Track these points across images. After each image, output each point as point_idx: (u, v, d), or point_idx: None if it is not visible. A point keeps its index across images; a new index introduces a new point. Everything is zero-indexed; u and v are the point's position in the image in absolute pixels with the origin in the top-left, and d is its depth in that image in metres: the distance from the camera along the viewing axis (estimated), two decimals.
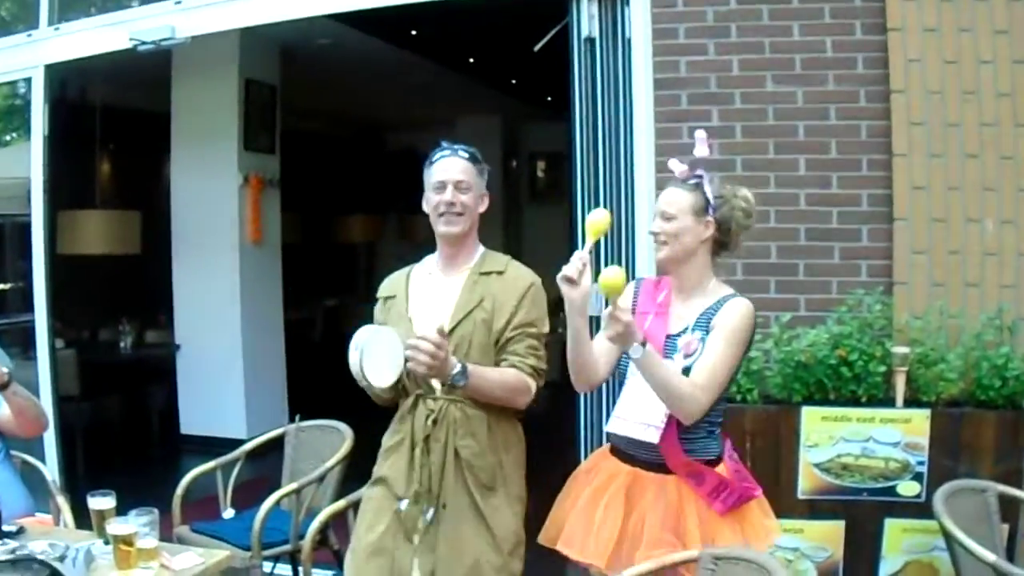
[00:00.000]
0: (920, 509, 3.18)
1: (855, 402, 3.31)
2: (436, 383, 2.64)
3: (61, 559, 2.55)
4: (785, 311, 3.53)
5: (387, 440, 2.78)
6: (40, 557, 2.53)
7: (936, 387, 3.29)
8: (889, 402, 3.30)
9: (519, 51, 4.37)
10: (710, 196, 2.56)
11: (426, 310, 2.71)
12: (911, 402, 3.29)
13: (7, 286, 6.88)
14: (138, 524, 2.53)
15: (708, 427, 2.54)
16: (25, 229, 5.27)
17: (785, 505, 3.23)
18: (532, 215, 11.34)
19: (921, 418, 3.23)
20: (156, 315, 7.46)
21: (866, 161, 3.59)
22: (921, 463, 3.22)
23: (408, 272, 2.87)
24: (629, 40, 3.76)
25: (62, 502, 3.39)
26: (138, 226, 7.07)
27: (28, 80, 5.14)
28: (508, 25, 5.00)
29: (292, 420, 4.13)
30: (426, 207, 2.75)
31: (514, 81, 9.09)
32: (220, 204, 6.92)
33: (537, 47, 4.02)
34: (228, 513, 3.84)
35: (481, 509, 2.62)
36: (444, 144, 2.80)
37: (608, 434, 2.68)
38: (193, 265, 7.02)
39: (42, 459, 4.80)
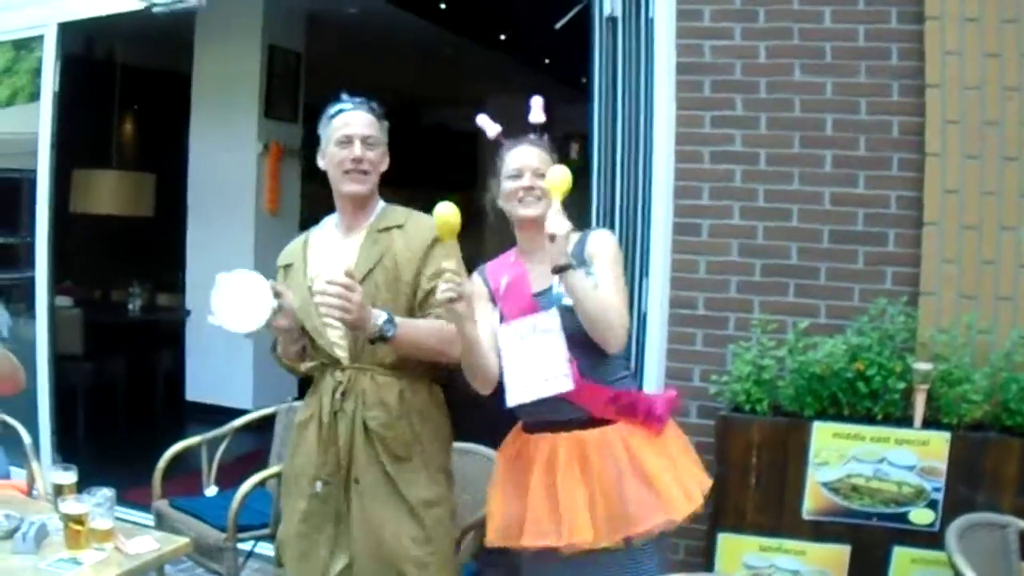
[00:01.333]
0: (932, 539, 2.98)
1: (870, 420, 3.12)
2: (341, 351, 2.53)
3: (13, 532, 2.47)
4: (803, 316, 3.36)
5: (298, 416, 2.70)
6: None
7: (959, 408, 3.08)
8: (907, 422, 3.10)
9: (550, 29, 4.23)
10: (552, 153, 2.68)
11: (325, 274, 2.53)
12: (930, 423, 3.09)
13: (19, 241, 6.85)
14: (92, 504, 2.44)
15: (622, 365, 2.62)
16: None
17: (788, 524, 3.09)
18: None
19: (940, 441, 3.02)
20: (168, 279, 7.43)
21: (896, 160, 3.40)
22: (937, 490, 3.02)
23: (306, 238, 2.77)
24: (652, 20, 3.60)
25: (36, 469, 3.32)
26: (153, 188, 7.08)
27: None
28: (537, 1, 4.86)
29: (299, 395, 4.03)
30: (323, 163, 2.65)
31: (547, 60, 8.93)
32: (238, 171, 6.87)
33: (558, 25, 3.87)
34: (211, 490, 3.77)
35: (394, 479, 2.51)
36: (345, 96, 2.65)
37: (518, 409, 2.55)
38: (207, 231, 6.97)
39: (34, 418, 4.79)
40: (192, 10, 4.69)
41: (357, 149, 2.55)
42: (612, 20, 3.64)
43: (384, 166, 2.64)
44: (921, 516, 3.03)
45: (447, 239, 2.38)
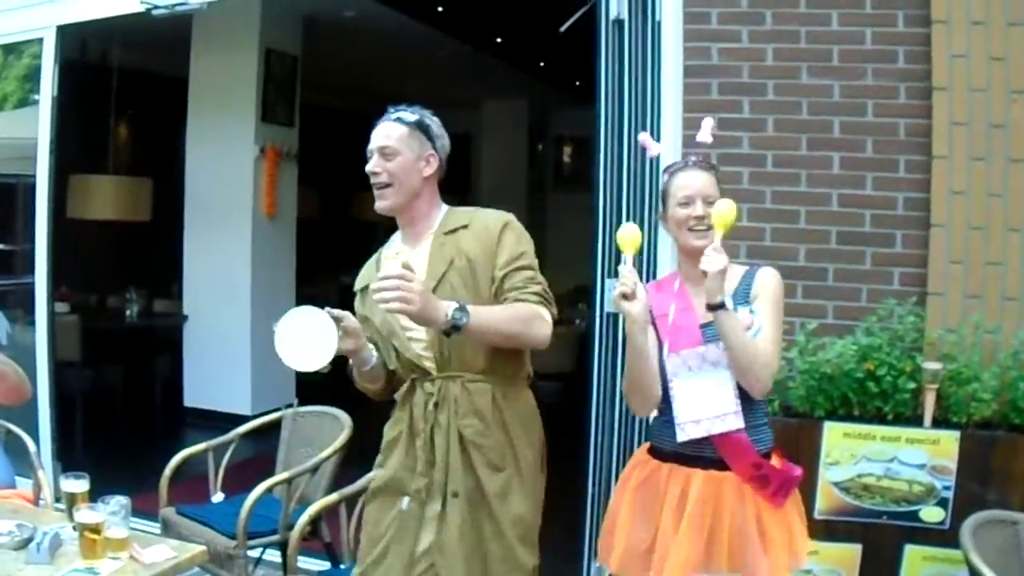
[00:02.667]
0: (943, 537, 3.00)
1: (881, 419, 3.13)
2: (429, 363, 2.47)
3: (27, 542, 2.45)
4: (812, 318, 3.37)
5: (387, 432, 2.61)
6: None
7: (968, 407, 3.10)
8: (917, 421, 3.11)
9: (547, 33, 4.23)
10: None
11: None
12: (940, 422, 3.11)
13: (17, 247, 6.82)
14: (107, 513, 2.42)
15: (765, 409, 2.53)
16: None
17: None
18: (557, 200, 11.20)
19: (950, 440, 3.04)
20: (165, 285, 7.41)
21: (904, 162, 3.42)
22: (947, 488, 3.03)
23: (377, 258, 2.70)
24: (659, 23, 3.60)
25: (42, 477, 3.29)
26: (150, 193, 7.04)
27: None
28: (536, 5, 4.86)
29: (299, 400, 4.01)
30: None
31: (542, 64, 8.94)
32: (235, 175, 6.85)
33: (563, 28, 3.85)
34: (218, 497, 3.75)
35: (485, 492, 2.45)
36: (390, 108, 2.62)
37: (676, 445, 2.49)
38: (205, 236, 6.96)
39: (35, 425, 4.76)
40: (192, 12, 4.67)
41: (371, 163, 2.52)
42: (618, 23, 3.63)
43: (427, 172, 2.56)
44: (932, 514, 3.05)
45: (630, 254, 2.35)
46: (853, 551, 3.11)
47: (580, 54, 4.04)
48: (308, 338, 2.33)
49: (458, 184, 10.91)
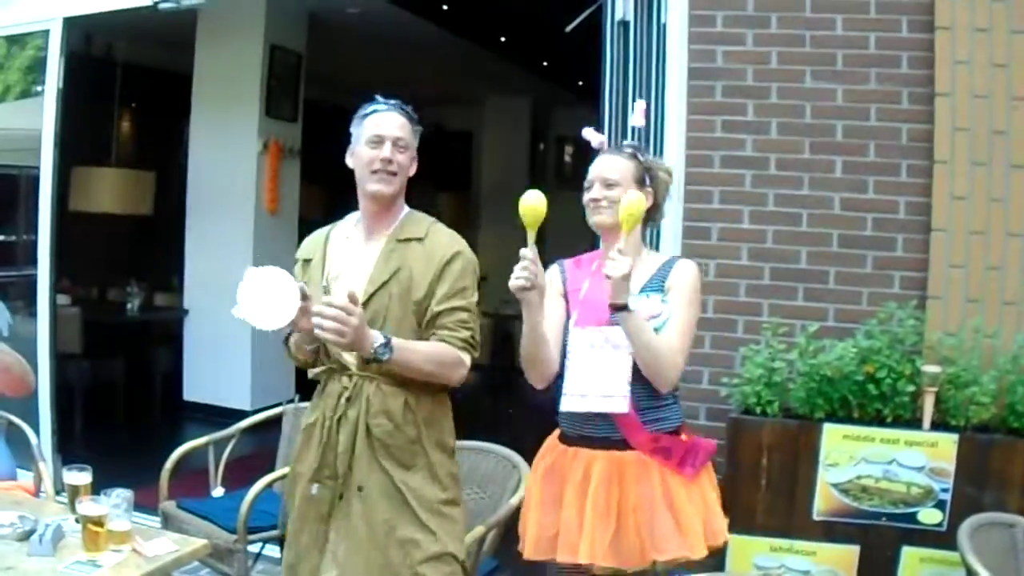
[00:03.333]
0: (941, 539, 3.02)
1: (880, 422, 3.15)
2: (350, 357, 2.50)
3: (29, 534, 2.45)
4: (812, 320, 3.39)
5: (305, 419, 2.66)
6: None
7: (966, 411, 3.11)
8: (916, 424, 3.13)
9: (551, 32, 4.24)
10: (649, 165, 2.60)
11: (341, 279, 2.55)
12: (939, 425, 3.13)
13: (19, 239, 6.83)
14: (110, 505, 2.41)
15: (674, 392, 2.55)
16: None
17: (798, 525, 3.11)
18: (558, 199, 11.10)
19: (948, 443, 3.06)
20: (166, 278, 7.40)
21: (906, 166, 3.43)
22: (945, 490, 3.05)
23: (327, 233, 2.69)
24: (664, 25, 3.62)
25: (43, 469, 3.29)
26: (152, 187, 7.04)
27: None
28: (541, 4, 4.86)
29: (299, 395, 4.01)
30: (352, 162, 2.59)
31: (545, 63, 8.94)
32: (237, 170, 6.84)
33: (569, 28, 3.87)
34: (218, 492, 3.75)
35: (398, 485, 2.47)
36: (379, 98, 2.63)
37: (563, 417, 2.56)
38: (206, 230, 6.96)
39: (35, 417, 4.77)
40: (197, 7, 4.67)
41: (387, 150, 2.51)
42: (624, 24, 3.65)
43: (412, 171, 2.60)
44: (929, 516, 3.06)
45: (531, 228, 2.32)
46: (851, 552, 3.12)
47: (584, 54, 4.05)
48: (271, 297, 2.36)
49: (459, 181, 10.91)
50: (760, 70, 3.53)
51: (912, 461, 3.07)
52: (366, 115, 2.58)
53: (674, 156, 3.59)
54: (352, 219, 2.69)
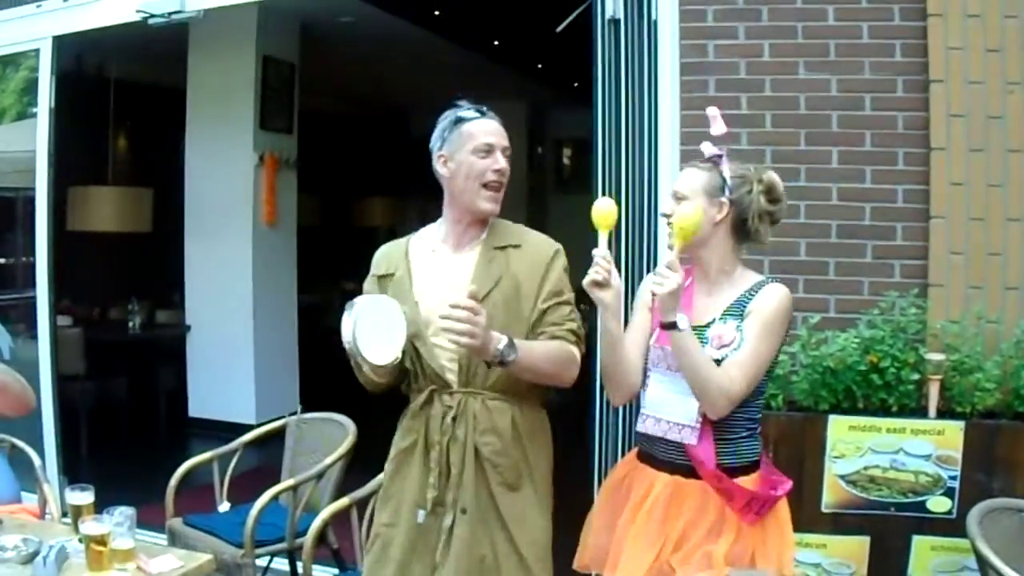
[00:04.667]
0: (950, 526, 3.00)
1: (885, 411, 3.13)
2: (451, 375, 2.42)
3: (33, 556, 2.44)
4: (814, 311, 3.37)
5: (398, 441, 2.54)
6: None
7: (972, 397, 3.10)
8: (921, 412, 3.12)
9: (544, 34, 4.23)
10: (727, 176, 2.41)
11: (435, 291, 2.43)
12: (945, 413, 3.11)
13: (18, 261, 6.83)
14: (112, 524, 2.41)
15: (749, 425, 2.40)
16: None
17: (808, 519, 3.07)
18: (557, 203, 11.18)
19: (955, 430, 3.04)
20: (167, 295, 7.40)
21: (902, 155, 3.42)
22: (953, 478, 3.03)
23: (406, 246, 2.59)
24: (655, 22, 3.59)
25: (48, 491, 3.28)
26: (150, 204, 7.05)
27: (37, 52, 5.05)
28: (533, 6, 4.86)
29: (303, 407, 4.00)
30: (449, 172, 2.48)
31: (540, 66, 8.95)
32: (234, 184, 6.86)
33: (560, 28, 3.85)
34: (224, 506, 3.74)
35: (502, 512, 2.40)
36: (466, 103, 2.54)
37: (639, 435, 2.50)
38: (205, 245, 6.96)
39: (40, 439, 4.76)
40: (188, 21, 4.66)
41: (501, 160, 2.46)
42: (614, 22, 3.62)
43: None
44: (938, 504, 3.04)
45: (604, 234, 2.28)
46: (862, 543, 3.10)
47: (578, 55, 4.04)
48: (381, 329, 2.29)
49: None
50: (753, 63, 3.52)
51: (919, 450, 3.05)
52: (463, 120, 2.49)
53: (668, 151, 3.58)
54: (432, 232, 2.60)
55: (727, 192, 2.40)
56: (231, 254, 6.84)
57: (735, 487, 2.32)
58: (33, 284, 5.12)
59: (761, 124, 3.50)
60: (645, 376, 2.46)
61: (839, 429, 3.10)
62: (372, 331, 2.27)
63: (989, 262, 3.33)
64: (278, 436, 3.99)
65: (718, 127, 2.50)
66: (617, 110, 3.65)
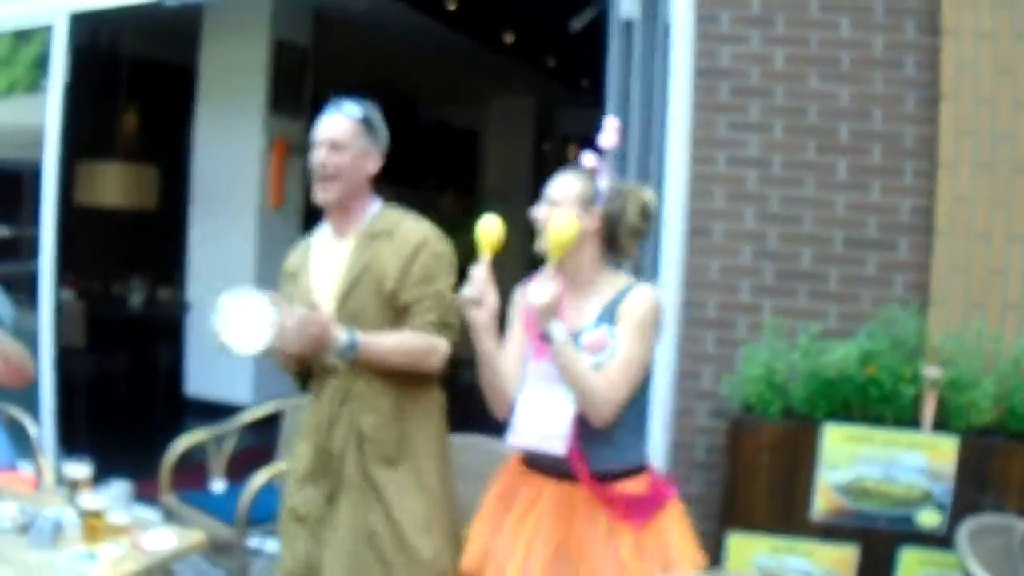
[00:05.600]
0: (940, 541, 3.01)
1: (881, 423, 3.13)
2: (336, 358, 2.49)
3: (28, 527, 2.46)
4: (814, 320, 3.38)
5: (304, 421, 2.68)
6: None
7: (967, 413, 3.10)
8: (916, 425, 3.12)
9: (557, 32, 4.24)
10: (602, 188, 2.39)
11: (322, 282, 2.57)
12: (939, 427, 3.12)
13: (22, 232, 6.84)
14: (109, 498, 2.44)
15: (632, 427, 2.38)
16: None
17: (798, 525, 3.11)
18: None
19: (948, 445, 3.05)
20: (169, 273, 7.38)
21: (910, 169, 3.43)
22: (945, 492, 3.04)
23: (308, 243, 2.71)
24: (670, 25, 3.61)
25: (43, 462, 3.30)
26: (156, 181, 7.02)
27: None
28: (548, 4, 4.87)
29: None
30: None
31: (551, 63, 8.93)
32: (242, 166, 6.83)
33: (574, 28, 3.87)
34: (218, 486, 3.75)
35: (379, 487, 2.49)
36: (335, 102, 2.61)
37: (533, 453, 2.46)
38: (210, 225, 6.94)
39: (38, 410, 4.78)
40: (203, 2, 4.67)
41: (320, 154, 2.51)
42: (628, 24, 3.64)
43: (363, 172, 2.56)
44: (929, 518, 3.05)
45: (487, 254, 2.26)
46: (850, 553, 3.11)
47: (589, 54, 4.05)
48: (248, 322, 2.38)
49: (463, 181, 10.90)
50: (765, 70, 3.53)
51: (912, 463, 3.06)
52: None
53: (678, 155, 3.59)
54: (328, 226, 2.68)
55: (598, 203, 2.38)
56: (235, 235, 6.82)
57: (612, 492, 2.31)
58: (37, 256, 5.13)
59: (771, 131, 3.52)
60: None
61: (834, 438, 3.11)
62: (239, 323, 2.38)
63: (990, 280, 3.33)
64: (276, 417, 4.01)
65: (608, 138, 2.46)
66: (627, 111, 3.67)
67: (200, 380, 6.99)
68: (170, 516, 3.56)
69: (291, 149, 6.94)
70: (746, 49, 3.54)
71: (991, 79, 3.33)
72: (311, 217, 7.61)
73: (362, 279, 2.51)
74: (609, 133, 2.45)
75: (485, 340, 2.30)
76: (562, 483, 2.35)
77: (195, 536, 2.61)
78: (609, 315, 2.34)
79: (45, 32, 5.10)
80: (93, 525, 2.39)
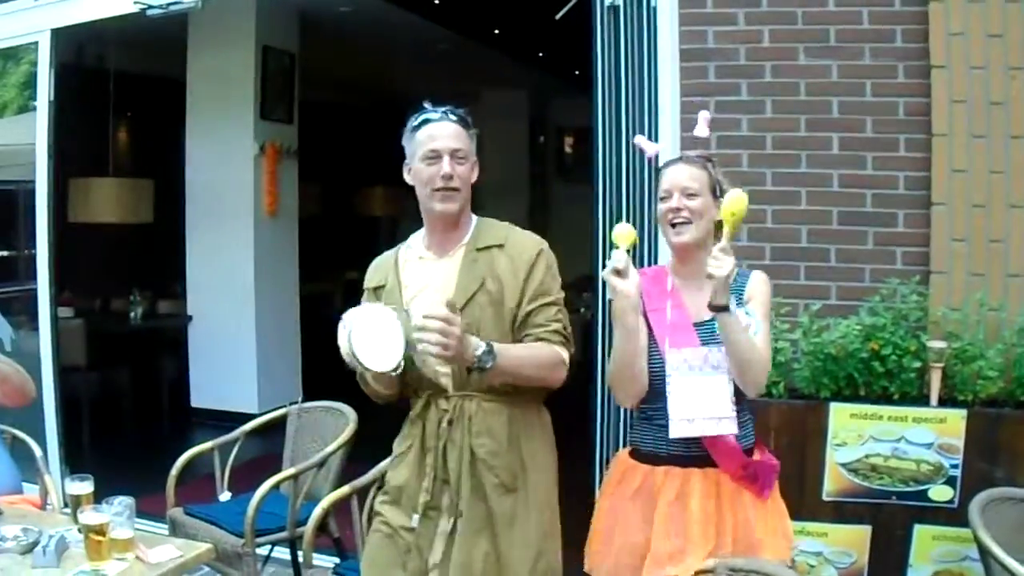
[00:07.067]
0: (952, 516, 2.99)
1: (887, 399, 3.12)
2: (446, 379, 2.40)
3: (33, 546, 2.45)
4: (815, 299, 3.36)
5: (396, 447, 2.55)
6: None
7: (974, 385, 3.08)
8: (923, 400, 3.10)
9: (545, 22, 4.20)
10: (720, 176, 2.52)
11: (423, 299, 2.41)
12: (946, 401, 3.10)
13: (20, 253, 6.83)
14: (111, 513, 2.41)
15: (750, 409, 2.53)
16: None
17: (809, 507, 3.08)
18: (559, 192, 11.19)
19: (957, 418, 3.02)
20: (168, 286, 7.40)
21: (904, 141, 3.40)
22: (955, 466, 3.02)
23: (395, 256, 2.58)
24: (655, 8, 3.57)
25: (49, 482, 3.28)
26: (151, 195, 7.03)
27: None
28: None
29: (305, 397, 4.00)
30: (411, 180, 2.47)
31: (541, 54, 8.91)
32: (235, 174, 6.84)
33: (559, 15, 3.83)
34: (224, 496, 3.74)
35: (493, 514, 2.38)
36: (428, 105, 2.50)
37: (635, 438, 2.54)
38: (207, 236, 6.95)
39: (42, 431, 4.77)
40: (186, 11, 4.65)
41: (446, 165, 2.38)
42: (614, 9, 3.61)
43: (474, 178, 2.48)
44: (940, 493, 3.04)
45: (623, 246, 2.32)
46: (863, 532, 3.09)
47: (578, 43, 4.02)
48: (379, 337, 2.28)
49: None
50: (753, 49, 3.50)
51: (921, 438, 3.04)
52: (416, 127, 2.46)
53: (669, 138, 3.55)
54: (418, 239, 2.58)
55: (718, 194, 2.47)
56: (232, 244, 6.82)
57: (759, 467, 2.43)
58: (35, 276, 5.12)
59: (761, 110, 3.49)
60: (655, 383, 2.44)
61: (840, 417, 3.09)
62: (369, 340, 2.26)
63: (991, 249, 3.31)
64: (279, 425, 3.98)
65: (702, 129, 2.54)
66: (617, 97, 3.64)
67: (205, 390, 7.01)
68: (177, 529, 3.54)
69: (283, 154, 6.94)
70: (732, 28, 3.51)
71: (981, 45, 3.30)
72: (307, 222, 7.62)
73: (478, 293, 2.39)
74: (702, 125, 2.54)
75: (629, 315, 2.33)
76: (704, 469, 2.42)
77: (201, 547, 2.59)
78: (737, 298, 2.42)
79: (33, 51, 5.09)
80: (96, 541, 2.37)
